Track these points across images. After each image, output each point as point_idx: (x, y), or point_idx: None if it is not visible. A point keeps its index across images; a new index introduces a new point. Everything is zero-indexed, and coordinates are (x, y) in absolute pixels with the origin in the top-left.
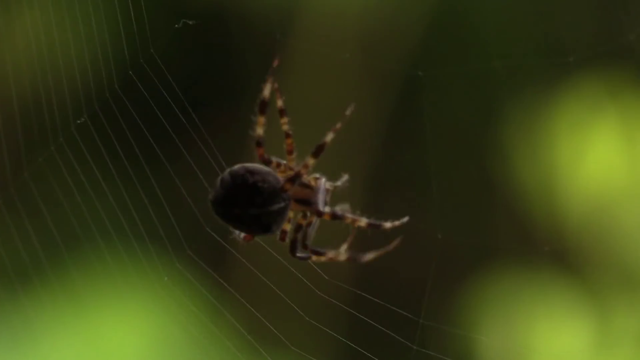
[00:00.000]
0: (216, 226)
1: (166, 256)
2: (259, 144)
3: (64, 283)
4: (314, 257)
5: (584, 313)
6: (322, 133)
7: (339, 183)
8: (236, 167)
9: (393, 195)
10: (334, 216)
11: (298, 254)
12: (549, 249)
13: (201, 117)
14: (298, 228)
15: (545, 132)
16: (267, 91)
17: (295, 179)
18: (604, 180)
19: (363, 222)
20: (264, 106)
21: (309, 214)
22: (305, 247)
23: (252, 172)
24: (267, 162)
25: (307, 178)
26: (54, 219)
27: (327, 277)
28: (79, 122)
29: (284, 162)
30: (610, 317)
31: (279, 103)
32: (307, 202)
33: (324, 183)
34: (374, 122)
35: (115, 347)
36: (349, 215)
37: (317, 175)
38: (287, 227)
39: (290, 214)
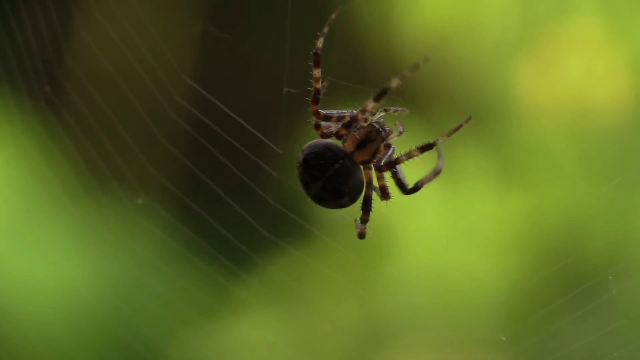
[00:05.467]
0: None
1: None
2: (315, 100)
3: None
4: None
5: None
6: None
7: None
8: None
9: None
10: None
11: (410, 189)
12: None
13: None
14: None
15: None
16: (320, 43)
17: (347, 128)
18: (440, 15)
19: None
20: (318, 58)
21: (382, 147)
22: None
23: (302, 150)
24: (325, 118)
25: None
26: None
27: None
28: None
29: (339, 112)
30: (451, 152)
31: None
32: (367, 141)
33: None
34: None
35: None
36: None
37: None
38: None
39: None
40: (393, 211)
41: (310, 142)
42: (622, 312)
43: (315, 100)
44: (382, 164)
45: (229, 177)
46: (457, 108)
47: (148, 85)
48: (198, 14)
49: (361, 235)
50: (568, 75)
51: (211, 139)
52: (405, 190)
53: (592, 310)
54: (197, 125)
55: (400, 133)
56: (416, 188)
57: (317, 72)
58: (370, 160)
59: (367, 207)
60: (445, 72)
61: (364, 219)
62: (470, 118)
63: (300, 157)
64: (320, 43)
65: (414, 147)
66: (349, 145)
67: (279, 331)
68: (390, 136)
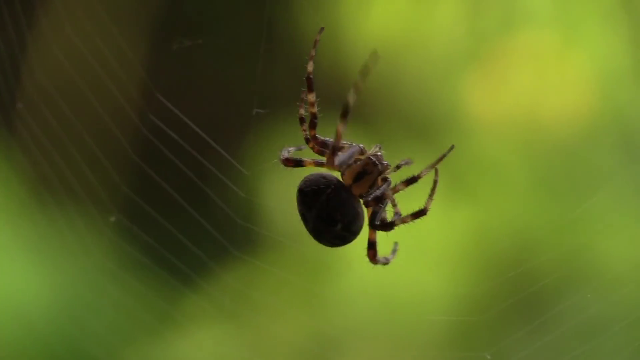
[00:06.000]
0: None
1: None
2: (312, 125)
3: None
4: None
5: None
6: None
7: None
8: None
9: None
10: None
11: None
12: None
13: None
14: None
15: None
16: (311, 67)
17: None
18: (389, 29)
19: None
20: (311, 83)
21: (379, 181)
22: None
23: (299, 185)
24: (322, 145)
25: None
26: None
27: None
28: None
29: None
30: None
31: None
32: (364, 174)
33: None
34: None
35: None
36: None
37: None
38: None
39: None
40: None
41: (305, 177)
42: (571, 325)
43: (313, 125)
44: (369, 198)
45: (193, 189)
46: (405, 121)
47: (120, 102)
48: (172, 29)
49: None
50: (518, 87)
51: (181, 155)
52: (373, 224)
53: (540, 324)
54: (166, 140)
55: (407, 164)
56: (389, 225)
57: (311, 97)
58: (367, 193)
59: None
60: (394, 85)
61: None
62: (452, 147)
63: (298, 190)
64: (310, 67)
65: (399, 181)
66: (346, 179)
67: (232, 340)
68: (388, 170)
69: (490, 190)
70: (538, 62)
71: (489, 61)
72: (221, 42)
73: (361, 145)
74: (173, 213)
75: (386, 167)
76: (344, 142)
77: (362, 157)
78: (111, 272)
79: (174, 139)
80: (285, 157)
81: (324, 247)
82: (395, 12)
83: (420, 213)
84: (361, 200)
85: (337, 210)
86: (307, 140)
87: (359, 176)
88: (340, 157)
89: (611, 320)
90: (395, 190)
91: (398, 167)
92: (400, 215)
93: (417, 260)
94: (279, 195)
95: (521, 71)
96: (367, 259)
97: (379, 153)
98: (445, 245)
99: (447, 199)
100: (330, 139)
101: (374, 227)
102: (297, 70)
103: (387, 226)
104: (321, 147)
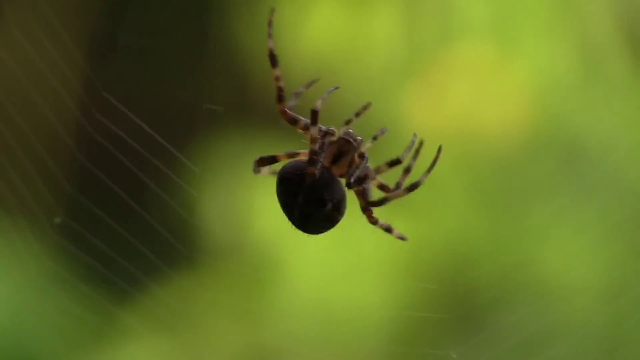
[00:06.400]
0: None
1: None
2: (279, 97)
3: None
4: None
5: None
6: None
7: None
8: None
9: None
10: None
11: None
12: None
13: None
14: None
15: None
16: (270, 44)
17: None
18: (326, 41)
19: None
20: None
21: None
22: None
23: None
24: (292, 121)
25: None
26: None
27: None
28: None
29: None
30: None
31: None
32: (340, 154)
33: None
34: None
35: None
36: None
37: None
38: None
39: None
40: (278, 238)
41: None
42: (509, 338)
43: (280, 99)
44: (352, 180)
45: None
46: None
47: (66, 102)
48: (118, 25)
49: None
50: (456, 100)
51: (128, 154)
52: (368, 203)
53: (478, 337)
54: (115, 141)
55: (382, 133)
56: (381, 202)
57: (276, 71)
58: (347, 173)
59: (365, 197)
60: (332, 98)
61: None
62: (440, 147)
63: (277, 180)
64: (270, 44)
65: (382, 163)
66: (324, 161)
67: (166, 357)
68: (363, 145)
69: (429, 204)
70: (477, 74)
71: (428, 73)
72: (165, 42)
73: (332, 127)
74: (121, 214)
75: (360, 142)
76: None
77: (334, 138)
78: (57, 275)
79: (121, 137)
80: (258, 158)
81: (262, 257)
82: (332, 24)
83: (414, 186)
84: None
85: (325, 190)
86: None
87: (336, 157)
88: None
89: (551, 335)
90: (379, 170)
91: (375, 138)
92: (391, 189)
93: (355, 273)
94: (221, 197)
95: (460, 83)
96: (305, 273)
97: (351, 130)
98: (384, 259)
99: (384, 212)
100: (301, 117)
101: (368, 206)
102: (239, 76)
103: (381, 203)
104: (291, 121)
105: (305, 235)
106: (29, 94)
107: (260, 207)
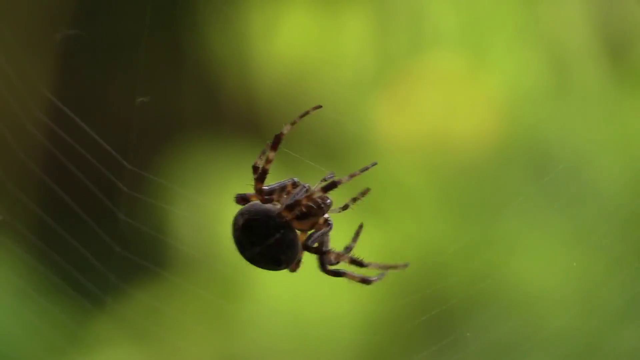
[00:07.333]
0: None
1: None
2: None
3: None
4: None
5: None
6: None
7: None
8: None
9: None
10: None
11: (329, 268)
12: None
13: None
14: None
15: (238, 1)
16: (286, 130)
17: (294, 204)
18: (297, 50)
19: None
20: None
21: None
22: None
23: (242, 213)
24: (268, 194)
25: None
26: None
27: None
28: None
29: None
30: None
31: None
32: (309, 215)
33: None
34: None
35: None
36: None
37: (305, 185)
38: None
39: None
40: None
41: (249, 206)
42: (479, 346)
43: (261, 179)
44: (311, 245)
45: (86, 193)
46: (312, 143)
47: (7, 99)
48: (57, 23)
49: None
50: (426, 109)
51: (69, 154)
52: (324, 269)
53: (448, 345)
54: (56, 140)
55: (331, 176)
56: (336, 273)
57: (272, 155)
58: (306, 230)
59: (320, 250)
60: (302, 108)
61: (336, 256)
62: (375, 163)
63: (240, 219)
64: (286, 130)
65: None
66: (288, 214)
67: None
68: (331, 210)
69: (398, 212)
70: (447, 83)
71: (398, 83)
72: (135, 52)
73: (307, 185)
74: (79, 225)
75: (329, 205)
76: (288, 183)
77: (308, 197)
78: (16, 287)
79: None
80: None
81: (233, 267)
82: (303, 35)
83: (332, 185)
84: (299, 238)
85: (283, 253)
86: (256, 191)
87: (303, 215)
88: (288, 199)
89: (519, 340)
90: (344, 254)
91: (325, 180)
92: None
93: (327, 280)
94: (191, 206)
95: (430, 93)
96: (275, 284)
97: (326, 195)
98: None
99: (355, 221)
100: (274, 185)
101: (326, 272)
102: (209, 86)
103: (339, 274)
104: (267, 196)
105: None
106: None
107: (229, 215)
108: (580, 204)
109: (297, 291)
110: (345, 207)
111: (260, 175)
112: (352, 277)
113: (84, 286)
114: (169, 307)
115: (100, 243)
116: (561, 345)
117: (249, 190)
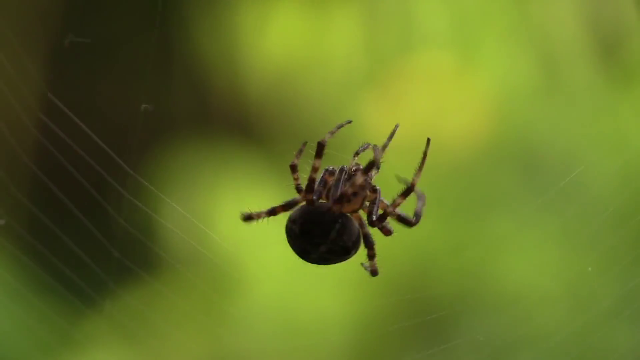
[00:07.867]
0: None
1: None
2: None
3: None
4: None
5: (268, 183)
6: None
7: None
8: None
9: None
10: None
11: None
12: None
13: None
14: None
15: (227, 1)
16: (327, 137)
17: (342, 196)
18: (286, 50)
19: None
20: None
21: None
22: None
23: (294, 220)
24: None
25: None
26: None
27: None
28: None
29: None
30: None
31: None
32: (356, 194)
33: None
34: None
35: None
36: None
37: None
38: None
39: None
40: (238, 247)
41: (297, 212)
42: (469, 349)
43: (309, 190)
44: (374, 219)
45: (86, 196)
46: (303, 141)
47: (11, 102)
48: (61, 27)
49: (374, 272)
50: (416, 108)
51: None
52: (410, 224)
53: (440, 347)
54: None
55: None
56: (418, 219)
57: (317, 162)
58: (359, 208)
59: (369, 243)
60: (292, 105)
61: (371, 255)
62: (350, 121)
63: (295, 228)
64: (327, 137)
65: (396, 195)
66: (338, 205)
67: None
68: (373, 178)
69: None
70: (436, 82)
71: (388, 82)
72: (125, 51)
73: (344, 168)
74: (71, 224)
75: (372, 177)
76: (326, 175)
77: (353, 185)
78: (9, 286)
79: (65, 142)
80: (252, 216)
81: (222, 267)
82: (292, 33)
83: (408, 191)
84: (363, 220)
85: (349, 240)
86: (307, 202)
87: (351, 198)
88: (334, 192)
89: (509, 338)
90: (396, 204)
91: (357, 153)
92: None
93: (318, 282)
94: (181, 204)
95: (420, 92)
96: (265, 282)
97: (360, 168)
98: (345, 267)
99: None
100: (315, 185)
101: (373, 224)
102: (198, 85)
103: (383, 217)
104: (315, 197)
105: (266, 245)
106: None
107: (219, 215)
108: (570, 201)
109: (288, 291)
110: (377, 168)
111: (308, 185)
112: (397, 203)
113: (76, 286)
114: (158, 309)
115: (95, 243)
116: (551, 342)
117: (258, 198)
